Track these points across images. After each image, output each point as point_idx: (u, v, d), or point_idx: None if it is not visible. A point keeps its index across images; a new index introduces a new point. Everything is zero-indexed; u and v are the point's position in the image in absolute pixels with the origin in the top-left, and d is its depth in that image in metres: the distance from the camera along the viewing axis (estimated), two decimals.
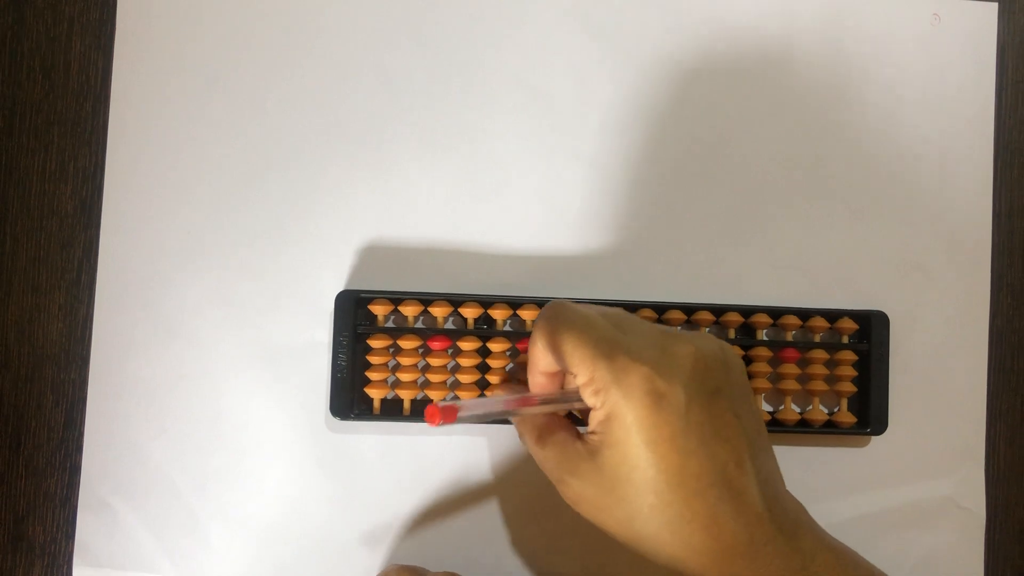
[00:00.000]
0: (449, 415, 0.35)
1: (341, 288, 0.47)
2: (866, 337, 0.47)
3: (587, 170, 0.49)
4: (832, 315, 0.47)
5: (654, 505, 0.35)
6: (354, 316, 0.46)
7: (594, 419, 0.36)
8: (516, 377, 0.47)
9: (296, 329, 0.47)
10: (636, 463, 0.35)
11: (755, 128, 0.49)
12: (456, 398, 0.46)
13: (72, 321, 0.48)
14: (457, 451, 0.47)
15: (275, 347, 0.47)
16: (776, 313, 0.47)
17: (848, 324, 0.47)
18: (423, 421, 0.46)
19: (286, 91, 0.48)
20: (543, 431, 0.39)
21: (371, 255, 0.48)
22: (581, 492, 0.37)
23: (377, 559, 0.47)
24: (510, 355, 0.47)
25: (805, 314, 0.47)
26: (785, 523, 0.36)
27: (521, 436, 0.40)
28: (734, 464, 0.36)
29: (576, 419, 0.42)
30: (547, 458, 0.38)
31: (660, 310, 0.47)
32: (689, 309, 0.47)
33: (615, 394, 0.35)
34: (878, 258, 0.49)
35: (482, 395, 0.46)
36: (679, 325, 0.47)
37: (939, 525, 0.48)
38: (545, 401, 0.39)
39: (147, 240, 0.48)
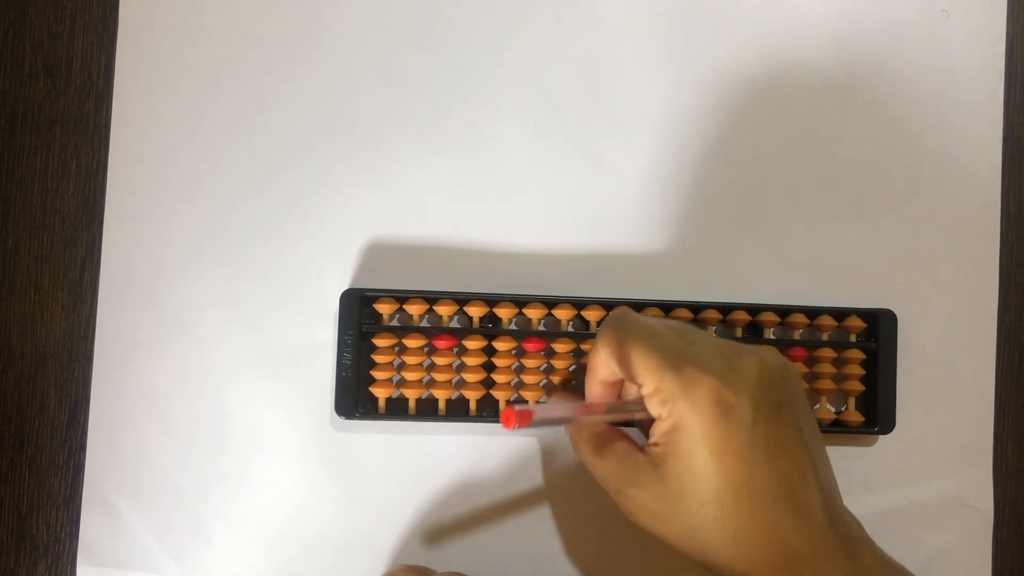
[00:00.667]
0: (524, 419, 0.35)
1: (346, 287, 0.47)
2: (874, 336, 0.47)
3: (593, 168, 0.49)
4: (840, 313, 0.47)
5: (718, 517, 0.35)
6: (359, 315, 0.46)
7: (658, 430, 0.36)
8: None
9: (300, 328, 0.47)
10: (702, 475, 0.35)
11: (761, 126, 0.49)
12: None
13: (75, 320, 0.47)
14: (462, 451, 0.47)
15: (279, 346, 0.47)
16: (783, 311, 0.47)
17: (856, 323, 0.47)
18: (427, 420, 0.46)
19: (290, 88, 0.48)
20: (601, 442, 0.39)
21: (375, 253, 0.48)
22: (642, 503, 0.37)
23: (382, 559, 0.47)
24: (515, 353, 0.46)
25: (813, 312, 0.47)
26: (846, 538, 0.36)
27: (576, 446, 0.40)
28: (798, 477, 0.36)
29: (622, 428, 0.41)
30: (606, 469, 0.38)
31: (667, 309, 0.47)
32: (696, 308, 0.47)
33: (682, 405, 0.35)
34: (886, 256, 0.49)
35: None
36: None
37: (947, 524, 0.48)
38: (610, 410, 0.39)
39: (150, 238, 0.47)
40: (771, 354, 0.38)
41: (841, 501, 0.38)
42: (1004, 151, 0.50)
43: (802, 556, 0.35)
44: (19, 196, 0.48)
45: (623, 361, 0.37)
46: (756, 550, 0.35)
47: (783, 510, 0.35)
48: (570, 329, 0.47)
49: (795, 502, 0.35)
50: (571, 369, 0.47)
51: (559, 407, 0.38)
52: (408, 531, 0.47)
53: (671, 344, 0.37)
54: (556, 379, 0.47)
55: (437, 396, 0.46)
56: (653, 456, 0.37)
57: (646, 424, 0.39)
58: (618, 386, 0.40)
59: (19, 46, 0.48)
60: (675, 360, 0.36)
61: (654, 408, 0.36)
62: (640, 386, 0.37)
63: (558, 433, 0.47)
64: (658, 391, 0.36)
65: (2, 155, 0.48)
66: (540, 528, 0.47)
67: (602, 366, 0.39)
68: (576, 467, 0.47)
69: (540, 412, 0.36)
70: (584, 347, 0.46)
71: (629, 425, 0.42)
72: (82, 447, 0.47)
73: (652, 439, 0.37)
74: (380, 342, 0.46)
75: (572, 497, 0.47)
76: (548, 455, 0.47)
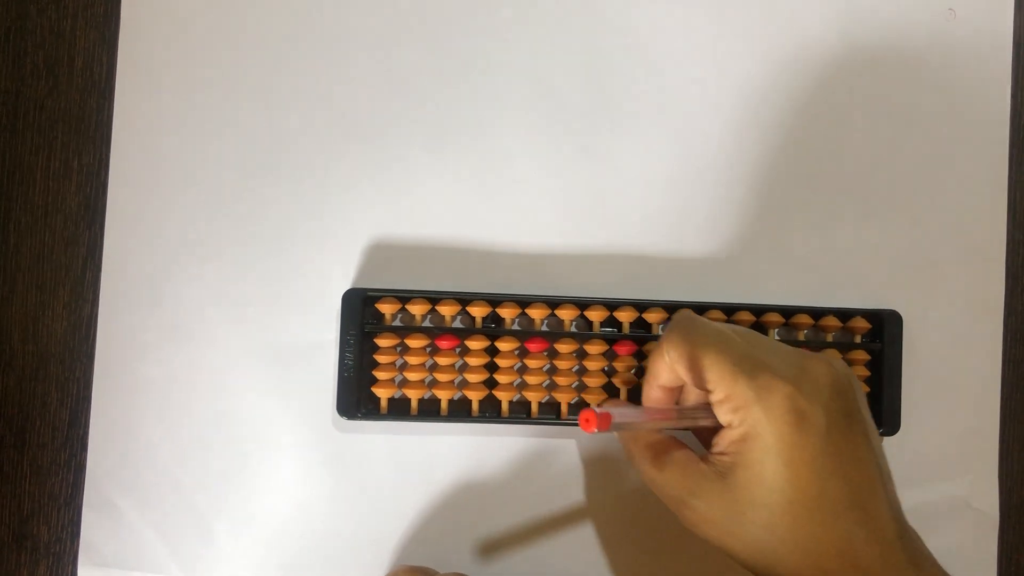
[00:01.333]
0: (604, 422, 0.34)
1: (348, 287, 0.47)
2: (879, 336, 0.47)
3: (597, 167, 0.48)
4: (844, 314, 0.47)
5: (789, 529, 0.34)
6: (361, 315, 0.46)
7: (726, 438, 0.36)
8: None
9: (303, 328, 0.47)
10: (773, 485, 0.34)
11: (766, 125, 0.49)
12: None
13: (77, 319, 0.47)
14: (464, 451, 0.47)
15: (281, 346, 0.47)
16: (788, 312, 0.47)
17: (861, 323, 0.47)
18: (430, 420, 0.46)
19: (292, 87, 0.48)
20: (659, 452, 0.38)
21: (378, 253, 0.48)
22: (707, 514, 0.36)
23: (385, 560, 0.47)
24: (518, 354, 0.46)
25: (817, 313, 0.47)
26: (914, 553, 0.35)
27: (631, 456, 0.40)
28: (868, 489, 0.35)
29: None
30: (667, 480, 0.37)
31: (670, 309, 0.46)
32: (700, 308, 0.46)
33: (756, 412, 0.35)
34: (891, 256, 0.49)
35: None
36: None
37: (952, 526, 0.48)
38: (680, 416, 0.38)
39: (152, 238, 0.47)
40: (839, 362, 0.38)
41: (903, 515, 0.37)
42: (1011, 151, 0.49)
43: (872, 570, 0.34)
44: (20, 195, 0.48)
45: (693, 366, 0.37)
46: (827, 563, 0.34)
47: (854, 522, 0.34)
48: (573, 329, 0.47)
49: (866, 515, 0.35)
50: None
51: (635, 412, 0.38)
52: (410, 531, 0.47)
53: (744, 350, 0.36)
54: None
55: (439, 396, 0.46)
56: (719, 465, 0.36)
57: (705, 433, 0.39)
58: (677, 392, 0.40)
59: (21, 44, 0.48)
60: (749, 366, 0.35)
61: (724, 415, 0.36)
62: (709, 392, 0.36)
63: (561, 435, 0.47)
64: (729, 398, 0.35)
65: (4, 154, 0.48)
66: (542, 527, 0.47)
67: (665, 371, 0.38)
68: (579, 468, 0.47)
69: (618, 416, 0.35)
70: (588, 348, 0.46)
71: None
72: (84, 447, 0.47)
73: (717, 448, 0.36)
74: (382, 342, 0.46)
75: (577, 497, 0.47)
76: (549, 457, 0.47)
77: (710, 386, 0.36)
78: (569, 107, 0.49)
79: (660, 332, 0.47)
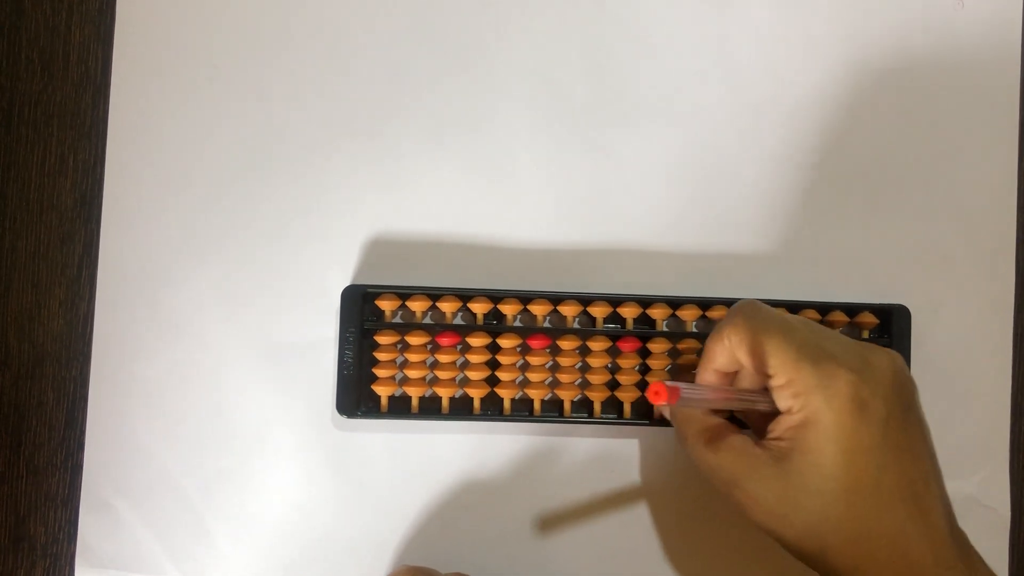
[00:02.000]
0: (673, 395, 0.35)
1: (347, 283, 0.46)
2: (887, 332, 0.46)
3: (599, 162, 0.48)
4: (852, 309, 0.46)
5: (843, 517, 0.35)
6: (361, 312, 0.45)
7: (784, 424, 0.36)
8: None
9: (301, 325, 0.46)
10: (830, 472, 0.35)
11: (771, 119, 0.48)
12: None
13: (73, 318, 0.47)
14: (466, 449, 0.46)
15: (280, 343, 0.46)
16: (795, 307, 0.46)
17: (868, 319, 0.46)
18: (430, 418, 0.45)
19: (290, 81, 0.47)
20: (713, 435, 0.38)
21: (378, 249, 0.47)
22: (758, 499, 0.36)
23: (386, 560, 0.46)
24: (520, 350, 0.45)
25: (824, 308, 0.46)
26: (964, 550, 0.36)
27: (683, 438, 0.40)
28: (922, 483, 0.35)
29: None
30: (720, 463, 0.38)
31: (674, 305, 0.46)
32: (704, 304, 0.46)
33: (817, 399, 0.35)
34: (899, 251, 0.48)
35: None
36: (694, 321, 0.46)
37: (963, 524, 0.46)
38: (742, 399, 0.38)
39: (149, 235, 0.47)
40: (898, 355, 0.38)
41: (954, 514, 0.37)
42: (1020, 143, 0.49)
43: (924, 563, 0.34)
44: (16, 192, 0.47)
45: (756, 351, 0.37)
46: (878, 553, 0.34)
47: (908, 515, 0.35)
48: (576, 326, 0.46)
49: (920, 508, 0.35)
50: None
51: (700, 389, 0.38)
52: (411, 531, 0.46)
53: (807, 337, 0.37)
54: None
55: (440, 394, 0.45)
56: (775, 451, 0.36)
57: (759, 418, 0.39)
58: (731, 376, 0.40)
59: (15, 40, 0.47)
60: (812, 353, 0.36)
61: (784, 401, 0.36)
62: (770, 377, 0.37)
63: (563, 433, 0.46)
64: (791, 383, 0.36)
65: None
66: (544, 526, 0.46)
67: (722, 354, 0.39)
68: (582, 466, 0.46)
69: (685, 392, 0.36)
70: (591, 344, 0.45)
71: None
72: (80, 447, 0.46)
73: (774, 433, 0.37)
74: (382, 339, 0.45)
75: (580, 496, 0.46)
76: (552, 455, 0.46)
77: (771, 371, 0.36)
78: (570, 100, 0.48)
79: (665, 328, 0.46)
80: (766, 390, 0.38)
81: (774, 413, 0.38)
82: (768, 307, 0.39)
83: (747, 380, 0.40)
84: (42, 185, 0.47)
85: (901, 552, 0.34)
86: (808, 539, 0.35)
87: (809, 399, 0.35)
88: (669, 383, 0.35)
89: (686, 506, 0.46)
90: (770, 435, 0.37)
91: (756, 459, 0.36)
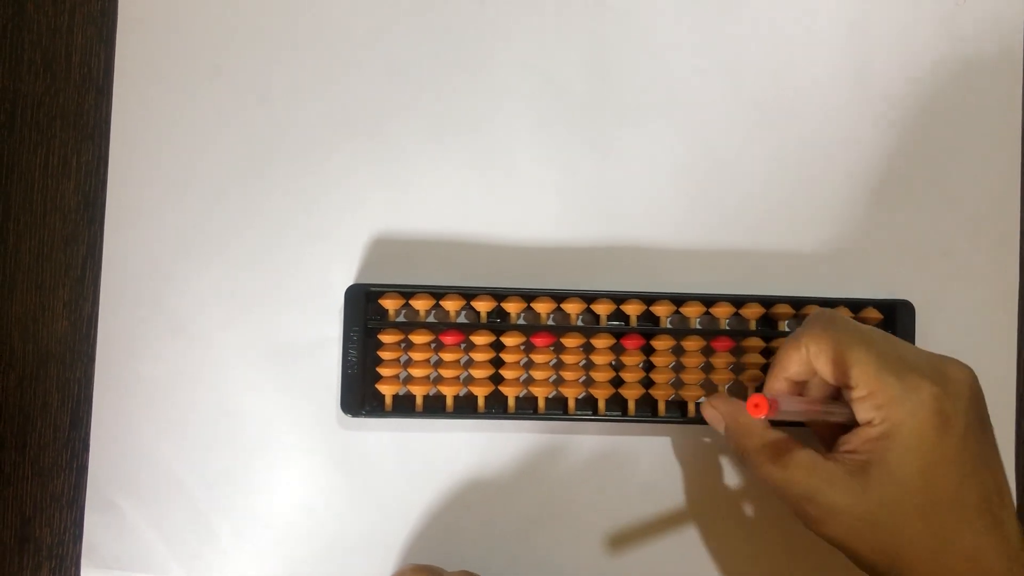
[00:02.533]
0: (773, 408, 0.35)
1: (351, 282, 0.46)
2: (891, 327, 0.46)
3: (602, 159, 0.48)
4: (856, 305, 0.46)
5: (920, 531, 0.35)
6: (364, 311, 0.45)
7: (861, 436, 0.36)
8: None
9: (305, 324, 0.46)
10: (910, 485, 0.35)
11: (774, 115, 0.48)
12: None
13: (77, 319, 0.47)
14: (471, 448, 0.46)
15: (284, 343, 0.46)
16: (799, 303, 0.46)
17: (872, 314, 0.46)
18: (435, 417, 0.45)
19: (292, 81, 0.47)
20: (779, 450, 0.38)
21: (381, 248, 0.47)
22: (832, 513, 0.36)
23: (391, 559, 0.46)
24: (524, 348, 0.45)
25: (828, 304, 0.46)
26: None
27: (745, 455, 0.39)
28: (997, 496, 0.35)
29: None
30: (790, 478, 0.37)
31: (678, 301, 0.46)
32: (708, 300, 0.46)
33: (900, 411, 0.35)
34: (902, 246, 0.48)
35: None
36: (697, 317, 0.46)
37: None
38: (826, 412, 0.38)
39: (152, 235, 0.47)
40: (970, 368, 0.38)
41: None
42: (1023, 137, 0.49)
43: None
44: (19, 193, 0.47)
45: (837, 361, 0.37)
46: (955, 566, 0.34)
47: (984, 528, 0.34)
48: (579, 323, 0.46)
49: (995, 521, 0.35)
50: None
51: (793, 401, 0.38)
52: (416, 529, 0.46)
53: (888, 349, 0.37)
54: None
55: (444, 393, 0.45)
56: (849, 464, 0.36)
57: (824, 430, 0.40)
58: (801, 386, 0.40)
59: (18, 41, 0.48)
60: (895, 366, 0.36)
61: (864, 412, 0.36)
62: (850, 389, 0.36)
63: (568, 430, 0.46)
64: (873, 395, 0.36)
65: (2, 152, 0.47)
66: (549, 525, 0.46)
67: (797, 363, 0.39)
68: (586, 464, 0.46)
69: (783, 403, 0.36)
70: (595, 342, 0.45)
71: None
72: (85, 447, 0.46)
73: (848, 446, 0.37)
74: (386, 338, 0.45)
75: (586, 493, 0.46)
76: (556, 452, 0.46)
77: (853, 382, 0.36)
78: (572, 98, 0.48)
79: (668, 325, 0.46)
80: (837, 401, 0.38)
81: (844, 425, 0.38)
82: (846, 318, 0.39)
83: (815, 390, 0.40)
84: (45, 186, 0.47)
85: (976, 567, 0.34)
86: (882, 553, 0.35)
87: (891, 411, 0.35)
88: (768, 395, 0.35)
89: (692, 504, 0.46)
90: (843, 447, 0.37)
91: (829, 473, 0.36)
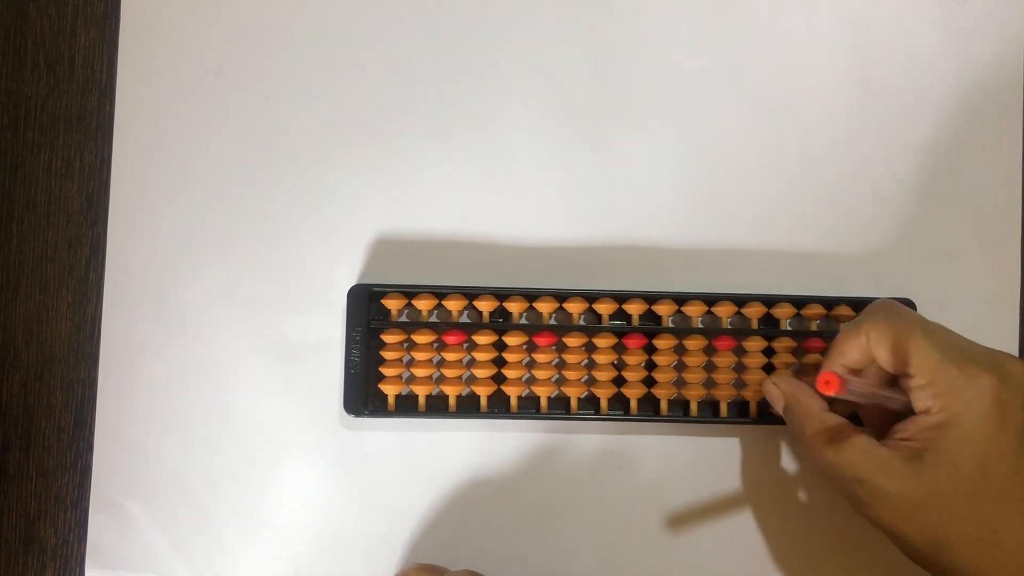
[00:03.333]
0: (843, 386, 0.36)
1: (353, 282, 0.46)
2: None
3: (604, 159, 0.48)
4: (857, 303, 0.46)
5: (971, 520, 0.35)
6: (367, 311, 0.45)
7: (918, 424, 0.37)
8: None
9: (308, 324, 0.47)
10: (965, 474, 0.35)
11: (775, 114, 0.48)
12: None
13: (81, 319, 0.47)
14: (473, 447, 0.46)
15: (287, 343, 0.46)
16: (800, 302, 0.46)
17: None
18: (438, 417, 0.45)
19: (295, 81, 0.47)
20: (835, 434, 0.39)
21: (383, 248, 0.47)
22: (885, 497, 0.37)
23: (395, 558, 0.46)
24: (526, 348, 0.46)
25: (830, 303, 0.46)
26: None
27: (802, 435, 0.40)
28: None
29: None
30: (844, 461, 0.38)
31: (681, 300, 0.46)
32: (711, 299, 0.46)
33: (960, 401, 0.36)
34: (904, 244, 0.48)
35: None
36: (699, 317, 0.46)
37: None
38: (885, 396, 0.39)
39: (155, 236, 0.47)
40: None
41: None
42: None
43: None
44: (23, 195, 0.47)
45: (897, 349, 0.38)
46: (1004, 558, 0.35)
47: None
48: (582, 322, 0.46)
49: None
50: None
51: (862, 383, 0.38)
52: (420, 529, 0.46)
53: (949, 340, 0.38)
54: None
55: (447, 392, 0.45)
56: (904, 451, 0.37)
57: (878, 418, 0.40)
58: (857, 374, 0.41)
59: (21, 43, 0.48)
60: (955, 356, 0.36)
61: (923, 401, 0.37)
62: (909, 377, 0.37)
63: (571, 430, 0.46)
64: (933, 384, 0.36)
65: (5, 153, 0.47)
66: (553, 524, 0.46)
67: (856, 350, 0.39)
68: (589, 463, 0.46)
69: (851, 383, 0.37)
70: (597, 341, 0.45)
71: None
72: (89, 448, 0.46)
73: (903, 433, 0.37)
74: (389, 338, 0.45)
75: (588, 493, 0.46)
76: (559, 452, 0.46)
77: (913, 370, 0.37)
78: (575, 98, 0.48)
79: (670, 324, 0.46)
80: (895, 388, 0.39)
81: (897, 414, 0.39)
82: (907, 308, 0.40)
83: (871, 377, 0.41)
84: (49, 188, 0.47)
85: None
86: (932, 541, 0.36)
87: (951, 400, 0.36)
88: (840, 373, 0.36)
89: (694, 503, 0.46)
90: (898, 435, 0.38)
91: (884, 458, 0.37)
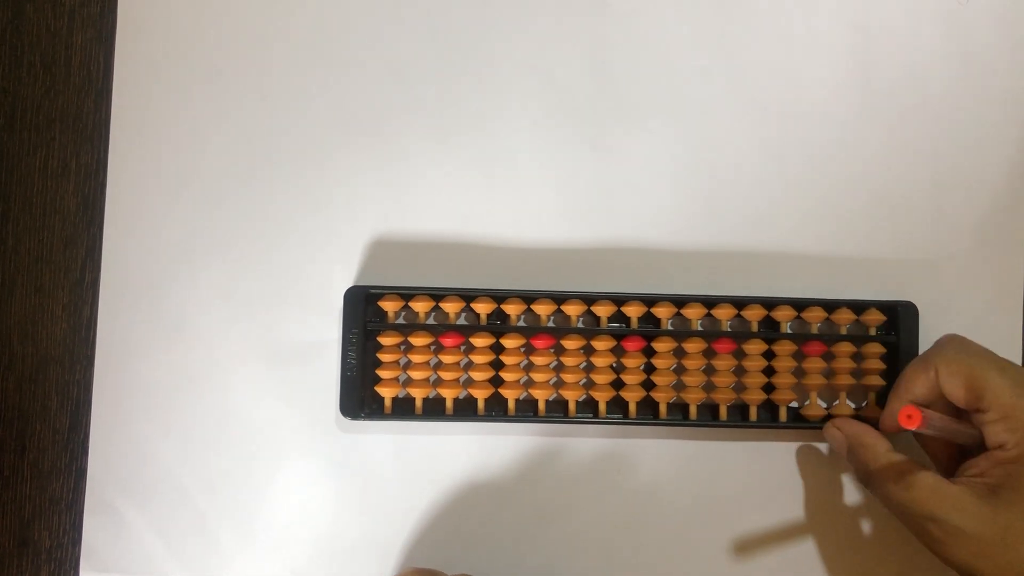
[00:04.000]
0: (926, 420, 0.36)
1: (350, 284, 0.46)
2: (894, 329, 0.46)
3: (603, 160, 0.47)
4: (859, 306, 0.46)
5: None
6: (364, 313, 0.45)
7: (992, 459, 0.37)
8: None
9: (304, 326, 0.46)
10: None
11: (776, 116, 0.48)
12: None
13: (76, 321, 0.47)
14: (471, 450, 0.46)
15: (283, 345, 0.46)
16: (800, 305, 0.46)
17: (875, 316, 0.45)
18: (435, 420, 0.45)
19: (292, 82, 0.47)
20: (902, 472, 0.39)
21: (380, 250, 0.47)
22: (958, 536, 0.37)
23: (391, 562, 0.46)
24: (524, 351, 0.45)
25: (831, 306, 0.46)
26: None
27: (869, 475, 0.41)
28: None
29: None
30: (914, 499, 0.38)
31: (681, 303, 0.45)
32: (710, 302, 0.45)
33: None
34: (906, 247, 0.48)
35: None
36: (699, 319, 0.46)
37: None
38: (958, 431, 0.39)
39: (151, 237, 0.47)
40: None
41: None
42: None
43: None
44: (19, 195, 0.47)
45: (971, 385, 0.38)
46: None
47: None
48: (580, 325, 0.46)
49: None
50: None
51: (941, 417, 0.38)
52: (416, 533, 0.46)
53: (1021, 375, 0.38)
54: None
55: (444, 395, 0.45)
56: (977, 487, 0.37)
57: (941, 453, 0.42)
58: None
59: (17, 44, 0.47)
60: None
61: (997, 436, 0.37)
62: (982, 412, 0.38)
63: (568, 433, 0.46)
64: (1007, 419, 0.37)
65: (1, 154, 0.47)
66: (548, 528, 0.46)
67: (925, 385, 0.40)
68: (586, 467, 0.46)
69: (931, 418, 0.37)
70: (596, 344, 0.45)
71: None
72: (84, 450, 0.46)
73: (975, 469, 0.38)
74: (385, 340, 0.45)
75: (585, 497, 0.46)
76: (557, 455, 0.46)
77: (986, 405, 0.38)
78: (573, 99, 0.48)
79: (669, 327, 0.46)
80: (968, 423, 0.39)
81: (964, 450, 0.39)
82: (976, 343, 0.40)
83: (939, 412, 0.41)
84: (45, 189, 0.47)
85: None
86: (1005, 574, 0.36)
87: None
88: (920, 408, 0.36)
89: (694, 508, 0.46)
90: (970, 471, 0.38)
91: (956, 495, 0.37)
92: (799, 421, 0.46)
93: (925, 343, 0.46)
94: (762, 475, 0.46)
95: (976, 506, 0.36)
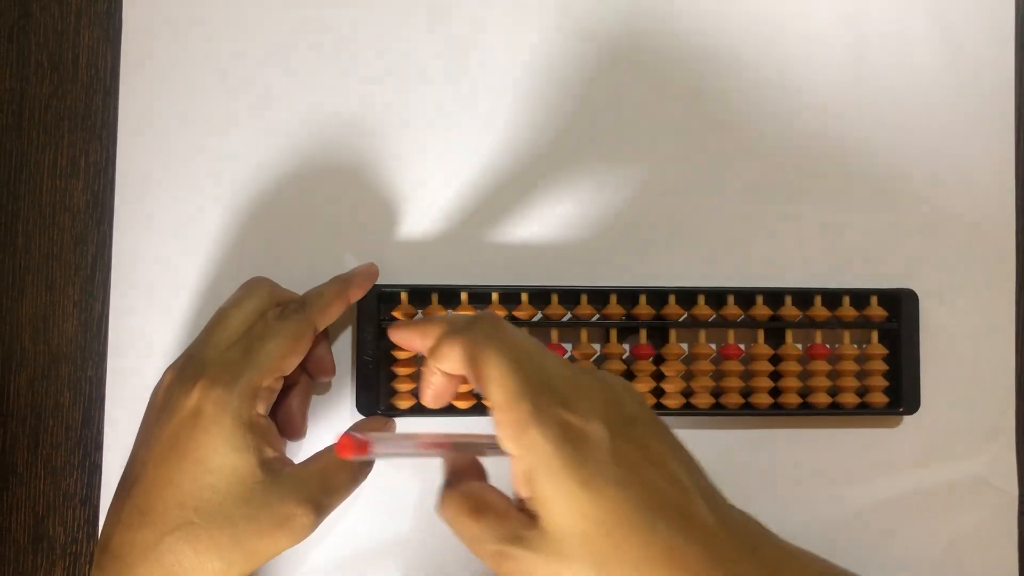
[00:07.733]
0: (361, 448, 0.32)
1: None
2: (895, 316, 0.47)
3: (605, 156, 0.48)
4: (860, 295, 0.47)
5: (611, 551, 0.31)
6: (377, 311, 0.45)
7: (516, 474, 0.33)
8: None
9: None
10: (577, 512, 0.31)
11: (774, 109, 0.49)
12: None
13: (88, 318, 0.47)
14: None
15: None
16: (804, 294, 0.46)
17: (876, 304, 0.47)
18: (451, 416, 0.45)
19: (299, 80, 0.47)
20: (479, 501, 0.34)
21: (392, 248, 0.47)
22: (524, 567, 0.32)
23: (406, 559, 0.46)
24: None
25: (833, 295, 0.47)
26: (743, 538, 0.33)
27: (446, 509, 0.35)
28: (676, 489, 0.32)
29: None
30: (483, 530, 0.33)
31: (686, 295, 0.46)
32: (714, 293, 0.46)
33: (530, 438, 0.32)
34: (904, 236, 0.49)
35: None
36: (709, 318, 0.46)
37: (971, 505, 0.48)
38: (460, 446, 0.35)
39: (161, 234, 0.47)
40: (609, 373, 0.36)
41: (725, 500, 0.34)
42: (1017, 125, 0.49)
43: (702, 567, 0.31)
44: (28, 194, 0.47)
45: (474, 370, 0.34)
46: (655, 574, 0.31)
47: (670, 526, 0.31)
48: (594, 321, 0.46)
49: (681, 514, 0.32)
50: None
51: (401, 438, 0.35)
52: (437, 532, 0.46)
53: (531, 369, 0.33)
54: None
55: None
56: (528, 511, 0.33)
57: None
58: (457, 380, 0.37)
59: (24, 43, 0.47)
60: (534, 386, 0.32)
61: (505, 444, 0.33)
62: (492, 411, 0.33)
63: None
64: (505, 424, 0.32)
65: (10, 153, 0.47)
66: None
67: (448, 361, 0.35)
68: None
69: (379, 444, 0.33)
70: (607, 350, 0.46)
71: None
72: (98, 446, 0.46)
73: (515, 487, 0.33)
74: None
75: None
76: None
77: (490, 404, 0.33)
78: (577, 98, 0.48)
79: (679, 321, 0.46)
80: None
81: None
82: (507, 327, 0.35)
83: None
84: (54, 187, 0.47)
85: (679, 566, 0.31)
86: None
87: (525, 439, 0.32)
88: (358, 435, 0.32)
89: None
90: (517, 497, 0.33)
91: (517, 523, 0.33)
92: (806, 409, 0.46)
93: (924, 331, 0.47)
94: (767, 467, 0.47)
95: (530, 531, 0.32)
